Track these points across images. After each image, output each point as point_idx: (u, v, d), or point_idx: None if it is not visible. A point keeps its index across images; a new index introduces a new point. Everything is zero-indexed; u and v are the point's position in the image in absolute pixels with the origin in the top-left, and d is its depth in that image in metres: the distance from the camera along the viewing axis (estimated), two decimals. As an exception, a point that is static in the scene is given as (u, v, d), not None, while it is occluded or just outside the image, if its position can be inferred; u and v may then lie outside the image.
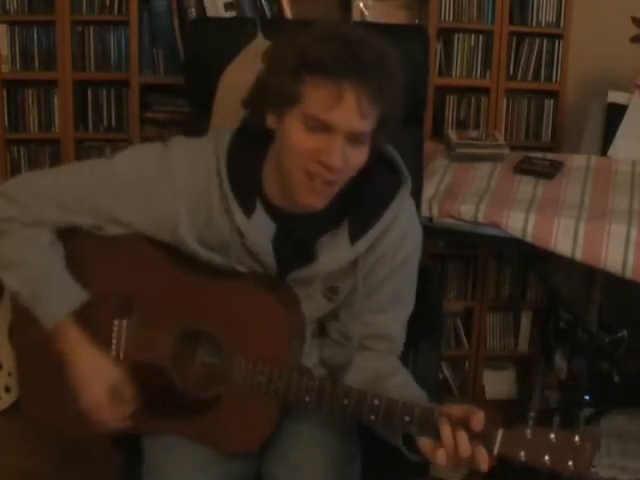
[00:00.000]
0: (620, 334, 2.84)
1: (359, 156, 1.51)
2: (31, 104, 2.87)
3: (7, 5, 2.77)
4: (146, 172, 1.60)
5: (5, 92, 2.85)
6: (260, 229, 1.59)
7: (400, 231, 1.64)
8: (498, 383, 3.08)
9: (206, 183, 1.58)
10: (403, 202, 1.64)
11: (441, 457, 1.43)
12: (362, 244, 1.60)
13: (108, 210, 1.62)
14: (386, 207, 1.60)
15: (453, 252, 2.99)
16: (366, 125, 1.47)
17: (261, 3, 2.69)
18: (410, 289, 1.73)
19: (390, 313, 1.71)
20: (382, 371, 1.66)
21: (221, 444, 1.64)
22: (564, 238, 2.21)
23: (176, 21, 2.75)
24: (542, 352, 2.96)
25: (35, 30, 2.80)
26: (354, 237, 1.59)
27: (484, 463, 1.42)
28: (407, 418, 1.47)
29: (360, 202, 1.60)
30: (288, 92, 1.45)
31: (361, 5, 2.74)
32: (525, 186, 2.44)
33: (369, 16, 2.74)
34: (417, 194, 2.26)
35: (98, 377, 1.64)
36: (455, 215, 2.33)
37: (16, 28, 2.80)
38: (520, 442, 1.41)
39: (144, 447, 1.71)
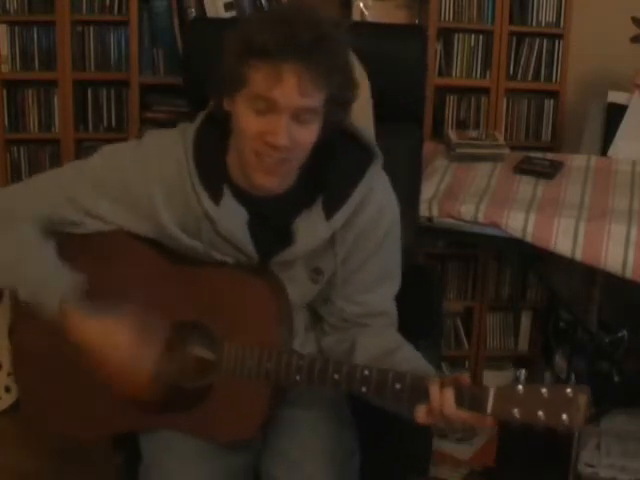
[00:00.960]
0: (620, 334, 2.84)
1: (307, 134, 1.54)
2: (31, 104, 2.87)
3: (7, 5, 2.77)
4: (121, 165, 1.65)
5: (5, 92, 2.85)
6: (230, 215, 1.61)
7: (376, 205, 1.66)
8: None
9: (177, 172, 1.62)
10: (376, 176, 1.66)
11: (421, 412, 1.46)
12: (338, 219, 1.62)
13: (88, 204, 1.65)
14: (358, 181, 1.63)
15: (453, 252, 2.99)
16: (309, 102, 1.51)
17: (261, 3, 2.69)
18: (396, 262, 1.75)
19: (380, 290, 1.72)
20: (386, 346, 1.66)
21: (215, 434, 1.64)
22: (564, 238, 2.21)
23: (176, 21, 2.75)
24: (542, 352, 2.96)
25: (35, 30, 2.80)
26: (329, 213, 1.61)
27: (480, 422, 1.43)
28: (398, 386, 1.48)
29: (331, 179, 1.63)
30: (236, 76, 1.51)
31: (361, 5, 2.74)
32: (525, 186, 2.44)
33: (369, 16, 2.74)
34: (416, 194, 2.26)
35: (119, 333, 1.59)
36: (455, 215, 2.33)
37: (16, 28, 2.80)
38: (513, 399, 1.40)
39: (142, 446, 1.71)
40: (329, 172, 1.63)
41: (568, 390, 1.38)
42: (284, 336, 1.61)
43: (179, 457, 1.65)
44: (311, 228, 1.62)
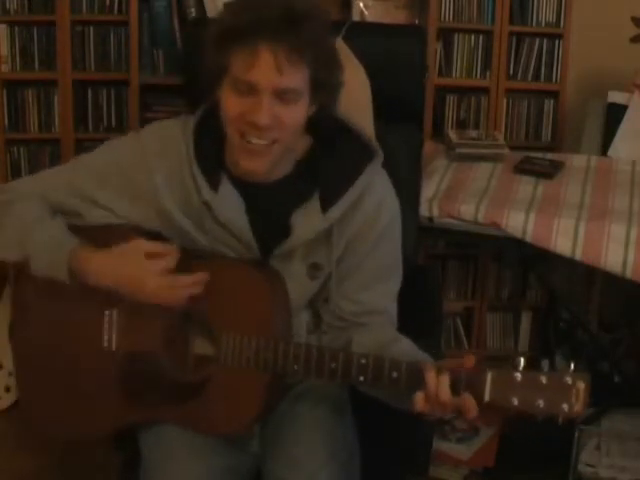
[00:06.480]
0: (620, 334, 2.84)
1: (292, 114, 1.56)
2: (31, 104, 2.87)
3: (7, 5, 2.77)
4: (121, 157, 1.69)
5: (5, 92, 2.85)
6: (228, 201, 1.64)
7: (374, 201, 1.66)
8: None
9: (177, 162, 1.65)
10: (375, 173, 1.67)
11: (419, 399, 1.45)
12: (334, 212, 1.62)
13: (95, 195, 1.69)
14: (357, 176, 1.64)
15: (453, 252, 2.99)
16: (289, 82, 1.52)
17: (261, 3, 2.69)
18: (395, 261, 1.74)
19: (378, 288, 1.71)
20: (382, 340, 1.66)
21: (211, 427, 1.65)
22: (564, 238, 2.21)
23: (176, 21, 2.76)
24: (542, 352, 2.96)
25: (35, 30, 2.80)
26: (326, 205, 1.62)
27: (472, 410, 1.42)
28: (395, 374, 1.49)
29: (329, 173, 1.64)
30: (218, 64, 1.55)
31: (361, 5, 2.74)
32: (525, 186, 2.44)
33: (369, 16, 2.74)
34: (416, 194, 2.26)
35: (136, 261, 1.61)
36: (455, 215, 2.33)
37: (16, 28, 2.80)
38: (511, 386, 1.37)
39: (141, 446, 1.71)
40: (328, 167, 1.64)
41: (567, 378, 1.35)
42: (281, 326, 1.61)
43: (178, 456, 1.65)
44: (307, 220, 1.63)
